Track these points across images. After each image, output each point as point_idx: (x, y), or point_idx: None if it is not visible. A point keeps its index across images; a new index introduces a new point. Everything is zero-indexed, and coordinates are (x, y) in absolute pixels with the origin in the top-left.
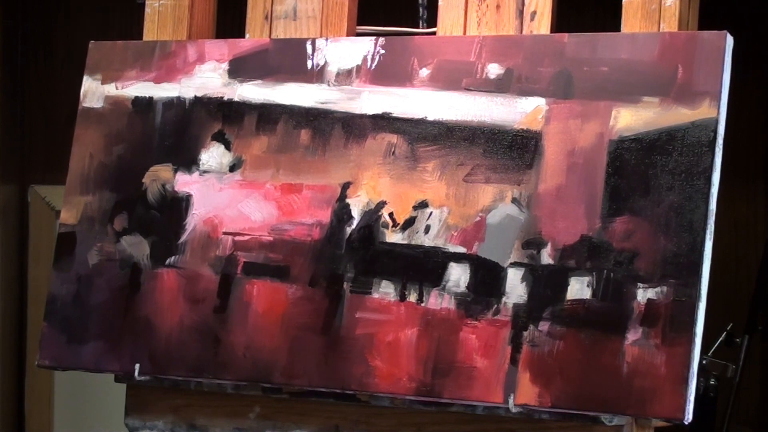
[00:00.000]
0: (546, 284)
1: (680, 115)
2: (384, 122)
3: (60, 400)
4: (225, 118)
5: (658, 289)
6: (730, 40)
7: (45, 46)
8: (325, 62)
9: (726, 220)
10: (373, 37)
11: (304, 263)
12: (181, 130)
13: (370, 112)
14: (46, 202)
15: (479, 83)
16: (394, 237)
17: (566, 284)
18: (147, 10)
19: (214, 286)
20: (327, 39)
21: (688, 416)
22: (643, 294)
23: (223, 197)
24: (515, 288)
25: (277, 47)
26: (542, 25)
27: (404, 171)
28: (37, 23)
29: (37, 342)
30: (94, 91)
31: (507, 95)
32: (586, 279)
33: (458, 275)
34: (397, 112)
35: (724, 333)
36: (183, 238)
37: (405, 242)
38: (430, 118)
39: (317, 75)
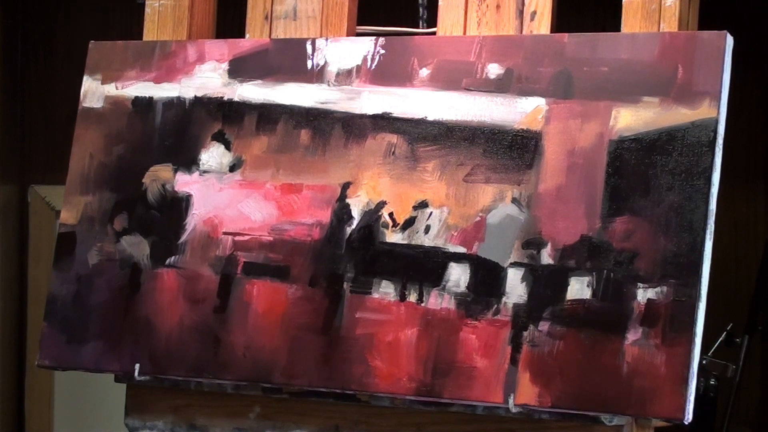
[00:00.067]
0: (546, 284)
1: (680, 115)
2: (384, 122)
3: (60, 400)
4: (225, 118)
5: (658, 289)
6: (730, 40)
7: (45, 46)
8: (325, 62)
9: (726, 220)
10: (373, 37)
11: (304, 263)
12: (181, 130)
13: (370, 112)
14: (46, 202)
15: (479, 83)
16: (394, 237)
17: (566, 284)
18: (147, 10)
19: (214, 286)
20: (327, 39)
21: (688, 416)
22: (643, 294)
23: (223, 197)
24: (515, 288)
25: (277, 47)
26: (542, 25)
27: (404, 171)
28: (37, 23)
29: (37, 342)
30: (94, 91)
31: (507, 95)
32: (586, 279)
33: (458, 275)
34: (397, 112)
35: (724, 333)
36: (183, 238)
37: (405, 242)
38: (430, 118)
39: (317, 75)
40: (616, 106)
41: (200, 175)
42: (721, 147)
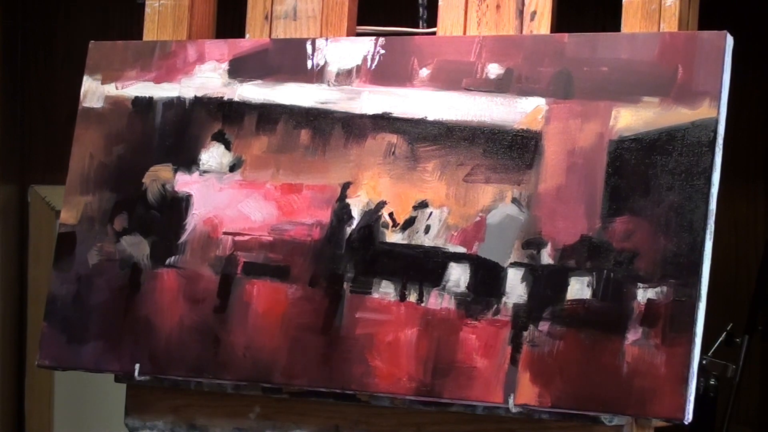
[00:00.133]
0: (546, 284)
1: (680, 115)
2: (384, 122)
3: (60, 400)
4: (225, 118)
5: (658, 289)
6: (730, 40)
7: (45, 46)
8: (325, 62)
9: (726, 220)
10: (373, 37)
11: (304, 263)
12: (181, 130)
13: (370, 112)
14: (46, 202)
15: (479, 83)
16: (394, 237)
17: (566, 284)
18: (147, 10)
19: (214, 286)
20: (327, 39)
21: (688, 416)
22: (643, 294)
23: (223, 197)
24: (515, 288)
25: (277, 47)
26: (542, 25)
27: (404, 171)
28: (37, 23)
29: (37, 342)
30: (94, 91)
31: (507, 95)
32: (586, 279)
33: (458, 275)
34: (397, 112)
35: (724, 333)
36: (183, 238)
37: (405, 242)
38: (430, 118)
39: (317, 75)
40: (616, 106)
41: (200, 175)
42: (721, 147)
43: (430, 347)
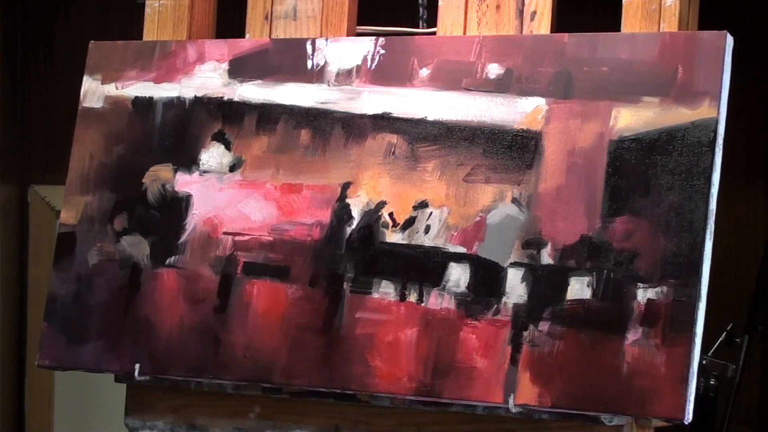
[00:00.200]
0: (546, 284)
1: (680, 115)
2: (384, 122)
3: (60, 400)
4: (225, 118)
5: (658, 289)
6: (730, 40)
7: (45, 46)
8: (325, 62)
9: (726, 220)
10: (373, 37)
11: (304, 263)
12: (181, 130)
13: (370, 112)
14: (46, 202)
15: (479, 83)
16: (394, 237)
17: (566, 284)
18: (147, 10)
19: (214, 286)
20: (327, 39)
21: (688, 416)
22: (643, 294)
23: (223, 197)
24: (515, 288)
25: (277, 47)
26: (542, 25)
27: (404, 171)
28: (37, 23)
29: (37, 342)
30: (94, 91)
31: (507, 95)
32: (586, 279)
33: (458, 275)
34: (397, 112)
35: (724, 333)
36: (183, 238)
37: (405, 242)
38: (430, 118)
39: (317, 75)
40: (616, 106)
41: (200, 175)
42: (721, 147)
43: (430, 347)
